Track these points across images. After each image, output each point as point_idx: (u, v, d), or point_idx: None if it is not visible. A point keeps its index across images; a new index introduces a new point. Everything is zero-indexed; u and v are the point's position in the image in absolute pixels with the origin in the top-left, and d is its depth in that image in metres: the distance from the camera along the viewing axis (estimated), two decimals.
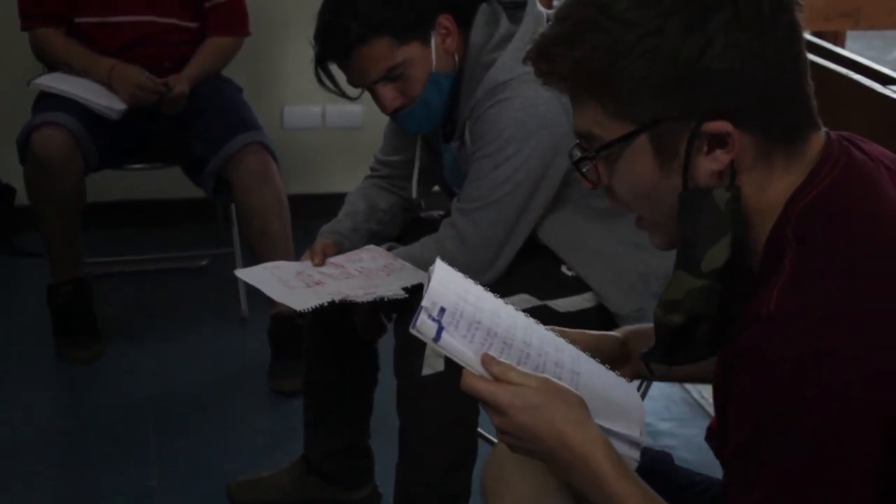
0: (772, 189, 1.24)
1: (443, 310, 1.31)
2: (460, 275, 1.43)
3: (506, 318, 1.41)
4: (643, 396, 2.35)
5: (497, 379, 1.29)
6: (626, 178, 1.28)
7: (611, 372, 1.46)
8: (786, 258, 1.18)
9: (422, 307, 1.30)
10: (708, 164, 1.22)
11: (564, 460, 1.28)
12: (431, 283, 1.34)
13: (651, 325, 1.60)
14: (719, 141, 1.21)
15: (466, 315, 1.34)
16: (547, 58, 1.26)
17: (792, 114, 1.24)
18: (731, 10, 1.19)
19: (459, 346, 1.30)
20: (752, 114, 1.21)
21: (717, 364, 1.27)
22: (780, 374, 1.12)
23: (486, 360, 1.30)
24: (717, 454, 1.35)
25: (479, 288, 1.44)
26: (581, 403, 1.30)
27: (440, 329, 1.29)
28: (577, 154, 1.31)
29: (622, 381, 1.47)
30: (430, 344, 1.29)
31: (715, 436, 1.35)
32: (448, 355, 1.31)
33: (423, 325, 1.29)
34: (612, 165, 1.28)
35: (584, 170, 1.30)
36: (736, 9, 1.19)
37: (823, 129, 1.27)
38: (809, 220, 1.20)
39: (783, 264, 1.18)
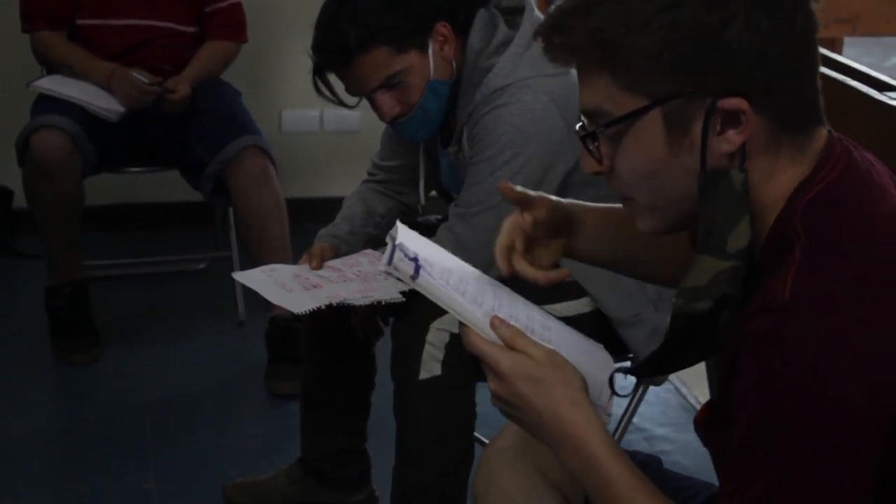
0: (777, 179, 1.23)
1: (416, 255, 1.29)
2: (424, 238, 1.41)
3: (471, 272, 1.40)
4: (639, 401, 2.36)
5: (504, 342, 1.28)
6: (631, 157, 1.25)
7: (580, 334, 1.44)
8: (795, 248, 1.18)
9: (395, 245, 1.27)
10: (720, 145, 1.21)
11: (555, 437, 1.27)
12: (399, 238, 1.30)
13: (607, 207, 1.56)
14: (733, 120, 1.20)
15: (437, 264, 1.32)
16: (560, 29, 1.24)
17: (803, 104, 1.24)
18: None
19: (440, 286, 1.28)
20: (767, 96, 1.20)
21: (719, 355, 1.25)
22: (788, 375, 1.12)
23: (496, 324, 1.28)
24: (707, 443, 1.34)
25: (441, 248, 1.43)
26: (582, 385, 1.28)
27: (418, 268, 1.26)
28: (582, 132, 1.29)
29: (590, 343, 1.44)
30: (407, 283, 1.27)
31: (704, 425, 1.33)
32: (427, 295, 1.28)
33: (400, 263, 1.26)
34: (617, 143, 1.25)
35: (589, 148, 1.28)
36: None
37: (826, 127, 1.27)
38: (816, 213, 1.20)
39: (793, 254, 1.17)
